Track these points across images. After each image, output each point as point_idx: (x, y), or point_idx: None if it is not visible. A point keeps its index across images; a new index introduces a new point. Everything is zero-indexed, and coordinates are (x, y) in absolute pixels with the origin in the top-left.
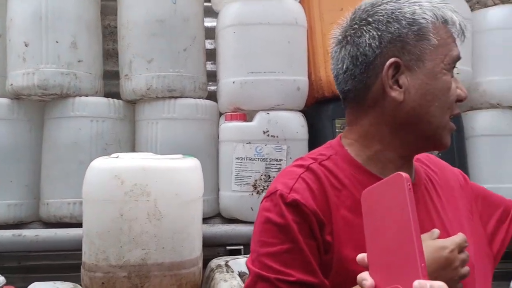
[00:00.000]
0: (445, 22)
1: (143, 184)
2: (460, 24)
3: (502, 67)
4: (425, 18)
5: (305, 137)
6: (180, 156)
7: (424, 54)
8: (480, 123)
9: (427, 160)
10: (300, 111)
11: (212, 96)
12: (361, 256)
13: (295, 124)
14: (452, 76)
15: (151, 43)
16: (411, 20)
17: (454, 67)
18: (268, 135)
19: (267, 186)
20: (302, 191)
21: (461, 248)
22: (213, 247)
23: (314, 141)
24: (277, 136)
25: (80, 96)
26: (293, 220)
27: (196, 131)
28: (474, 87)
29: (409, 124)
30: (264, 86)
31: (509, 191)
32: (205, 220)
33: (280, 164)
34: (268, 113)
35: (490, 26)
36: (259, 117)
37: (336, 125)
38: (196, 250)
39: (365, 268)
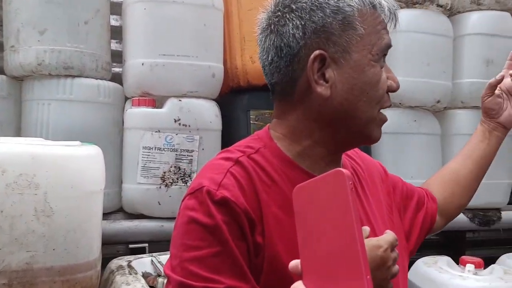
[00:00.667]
0: (373, 7)
1: (31, 174)
2: (390, 9)
3: (404, 69)
4: (351, 6)
5: (219, 128)
6: (77, 143)
7: (351, 45)
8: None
9: (352, 154)
10: (214, 100)
11: (117, 78)
12: (294, 264)
13: (209, 113)
14: (383, 66)
15: (45, 10)
16: (335, 8)
17: (385, 55)
18: (179, 123)
19: (177, 178)
20: (231, 187)
21: (393, 247)
22: (114, 246)
23: (227, 132)
24: (189, 126)
25: None
26: (222, 220)
27: (97, 116)
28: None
29: (337, 120)
30: (177, 70)
31: None
32: (105, 215)
33: (192, 156)
34: (180, 100)
35: (465, 31)
36: (170, 104)
37: (251, 116)
38: (94, 251)
39: (298, 276)
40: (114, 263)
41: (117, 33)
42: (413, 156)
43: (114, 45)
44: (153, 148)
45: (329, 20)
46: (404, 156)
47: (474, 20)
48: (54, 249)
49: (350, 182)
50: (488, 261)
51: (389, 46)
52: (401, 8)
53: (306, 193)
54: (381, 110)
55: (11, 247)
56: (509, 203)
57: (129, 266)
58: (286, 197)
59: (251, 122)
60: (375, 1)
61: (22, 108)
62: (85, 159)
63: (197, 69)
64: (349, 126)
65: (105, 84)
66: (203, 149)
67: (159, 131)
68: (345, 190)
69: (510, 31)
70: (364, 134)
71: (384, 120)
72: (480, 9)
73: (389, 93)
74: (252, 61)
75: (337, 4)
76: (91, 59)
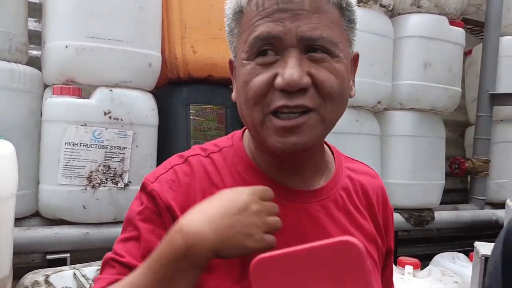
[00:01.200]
0: (248, 4)
1: None
2: None
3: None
4: (229, 8)
5: (155, 123)
6: None
7: (237, 48)
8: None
9: (370, 184)
10: (150, 92)
11: (35, 62)
12: None
13: (144, 106)
14: (271, 64)
15: None
16: (226, 14)
17: (264, 52)
18: (110, 117)
19: (106, 179)
20: (164, 182)
21: (264, 199)
22: (28, 256)
23: (165, 128)
24: (121, 119)
25: None
26: (146, 208)
27: (10, 105)
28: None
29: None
30: (108, 56)
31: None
32: (18, 221)
33: (124, 153)
34: (111, 90)
35: (406, 33)
36: (100, 94)
37: (191, 111)
38: (3, 268)
39: None
40: (28, 279)
41: (36, 10)
42: (355, 156)
43: (33, 24)
44: (78, 144)
45: (227, 27)
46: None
47: (414, 23)
48: None
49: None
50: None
51: (259, 37)
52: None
53: (279, 269)
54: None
55: None
56: (440, 203)
57: (47, 281)
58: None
59: (191, 117)
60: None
61: None
62: None
63: (132, 57)
64: (250, 132)
65: (20, 68)
66: (137, 146)
67: (85, 124)
68: (358, 267)
69: (447, 35)
70: (261, 141)
71: (276, 126)
72: (420, 12)
73: (286, 91)
74: (194, 51)
75: (226, 12)
76: (3, 38)
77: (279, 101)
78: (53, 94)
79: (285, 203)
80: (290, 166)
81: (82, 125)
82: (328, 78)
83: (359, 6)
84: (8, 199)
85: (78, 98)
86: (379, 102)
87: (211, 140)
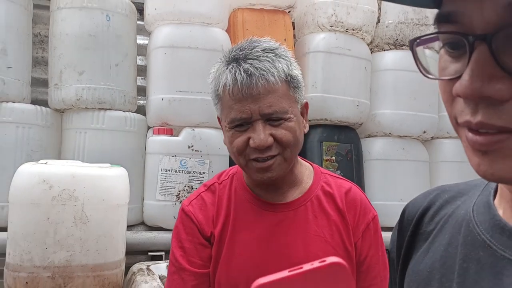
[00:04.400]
0: (224, 87)
1: (71, 189)
2: (236, 84)
3: (393, 103)
4: (211, 89)
5: (227, 153)
6: (107, 165)
7: (220, 115)
8: (375, 149)
9: (339, 194)
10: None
11: (141, 110)
12: None
13: (218, 140)
14: (243, 131)
15: (83, 56)
16: (210, 89)
17: (240, 125)
18: (192, 149)
19: None
20: (195, 205)
21: None
22: (135, 255)
23: None
24: (200, 151)
25: (7, 102)
26: (184, 225)
27: (124, 142)
28: (371, 118)
29: None
30: (191, 104)
31: (396, 207)
32: (129, 227)
33: (203, 177)
34: (193, 130)
35: (385, 67)
36: (185, 133)
37: None
38: (119, 253)
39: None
40: (136, 267)
41: (142, 71)
42: (401, 180)
43: (140, 81)
44: (170, 170)
45: (211, 97)
46: (392, 180)
47: None
48: (88, 250)
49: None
50: None
51: (235, 119)
52: (390, 49)
53: None
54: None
55: (55, 247)
56: None
57: (148, 269)
58: (236, 215)
59: None
60: (222, 81)
61: (63, 135)
62: (114, 178)
63: (208, 103)
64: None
65: (131, 115)
66: (212, 171)
67: (175, 155)
68: (348, 284)
69: None
70: (248, 175)
71: (256, 167)
72: None
73: (277, 144)
74: None
75: (211, 91)
76: (120, 95)
77: (254, 154)
78: (153, 133)
79: (265, 212)
80: (268, 187)
81: (172, 156)
82: (284, 134)
83: (402, 49)
84: (123, 206)
85: (170, 136)
86: (424, 132)
87: None
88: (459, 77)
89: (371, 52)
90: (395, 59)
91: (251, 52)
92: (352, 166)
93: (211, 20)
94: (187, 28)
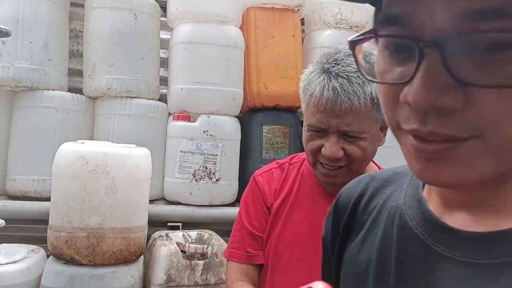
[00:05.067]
0: (311, 95)
1: (104, 165)
2: (322, 98)
3: None
4: (302, 87)
5: (238, 138)
6: (133, 146)
7: (304, 112)
8: None
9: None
10: (235, 116)
11: (163, 98)
12: None
13: (230, 127)
14: (322, 137)
15: (113, 50)
16: (300, 87)
17: (317, 130)
18: (207, 134)
19: (205, 175)
20: (264, 176)
21: None
22: (156, 227)
23: (245, 141)
24: (214, 136)
25: (48, 90)
26: (253, 189)
27: (147, 126)
28: None
29: None
30: (206, 94)
31: None
32: (151, 201)
33: (216, 158)
34: (208, 117)
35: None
36: (201, 119)
37: (263, 130)
38: (142, 220)
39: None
40: (156, 234)
41: (165, 63)
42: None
43: (162, 72)
44: (187, 152)
45: (300, 95)
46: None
47: None
48: (117, 215)
49: None
50: None
51: (314, 125)
52: None
53: None
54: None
55: (89, 212)
56: None
57: (167, 236)
58: (297, 196)
59: (263, 134)
60: (311, 90)
61: (95, 120)
62: (139, 157)
63: (222, 93)
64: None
65: (154, 103)
66: (225, 154)
67: (192, 139)
68: None
69: None
70: (313, 170)
71: (321, 172)
72: None
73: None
74: (266, 87)
75: (301, 89)
76: (144, 85)
77: (323, 159)
78: (173, 119)
79: (322, 200)
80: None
81: (190, 139)
82: (355, 151)
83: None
84: (147, 181)
85: (188, 122)
86: None
87: (278, 151)
88: (404, 83)
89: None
90: None
91: (345, 70)
92: None
93: (226, 18)
94: (205, 26)
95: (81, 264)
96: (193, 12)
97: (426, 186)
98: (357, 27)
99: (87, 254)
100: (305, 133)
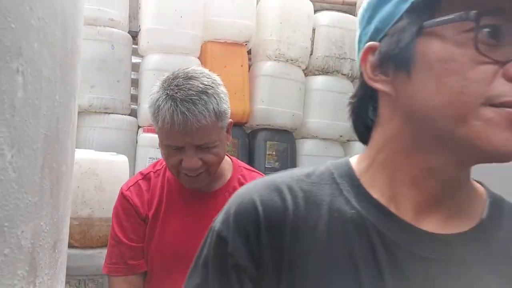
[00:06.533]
0: (163, 121)
1: (94, 168)
2: (174, 123)
3: (319, 114)
4: (151, 111)
5: None
6: (114, 153)
7: (157, 130)
8: (305, 147)
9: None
10: None
11: (133, 113)
12: None
13: None
14: (179, 152)
15: (94, 74)
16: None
17: (175, 148)
18: None
19: None
20: (132, 190)
21: None
22: None
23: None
24: None
25: None
26: (122, 206)
27: (122, 137)
28: (303, 125)
29: None
30: None
31: None
32: None
33: None
34: None
35: (315, 88)
36: None
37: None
38: None
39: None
40: None
41: (134, 83)
42: None
43: (132, 91)
44: (155, 158)
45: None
46: None
47: None
48: (103, 208)
49: None
50: None
51: (170, 146)
52: (319, 74)
53: None
54: None
55: (81, 205)
56: None
57: None
58: (168, 201)
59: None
60: (163, 122)
61: (78, 132)
62: (120, 162)
63: None
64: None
65: (127, 118)
66: None
67: (158, 148)
68: None
69: None
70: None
71: (186, 179)
72: None
73: None
74: None
75: (151, 112)
76: (119, 103)
77: (184, 171)
78: (143, 132)
79: (191, 200)
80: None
81: (157, 148)
82: (211, 158)
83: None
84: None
85: (155, 134)
86: (341, 136)
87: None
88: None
89: (305, 76)
90: (323, 82)
91: (188, 94)
92: (287, 160)
93: (187, 50)
94: (170, 56)
95: (74, 247)
96: (161, 44)
97: (381, 192)
98: (292, 60)
99: (79, 239)
100: (164, 151)
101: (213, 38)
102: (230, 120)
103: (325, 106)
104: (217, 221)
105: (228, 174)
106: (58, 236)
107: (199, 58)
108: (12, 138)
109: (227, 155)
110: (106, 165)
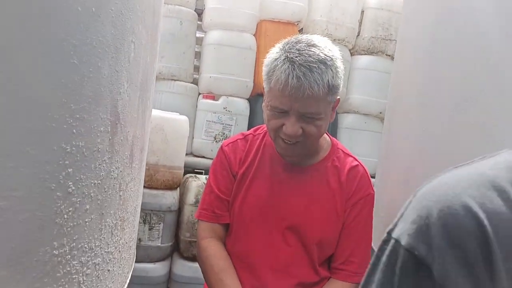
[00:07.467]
0: (276, 81)
1: (161, 124)
2: (287, 85)
3: (361, 90)
4: (265, 70)
5: (247, 114)
6: (177, 114)
7: (265, 93)
8: (347, 121)
9: (345, 170)
10: (246, 99)
11: (195, 81)
12: None
13: (242, 106)
14: (282, 116)
15: (165, 46)
16: (263, 70)
17: (279, 111)
18: (226, 110)
19: (222, 138)
20: (231, 147)
21: None
22: (188, 172)
23: (252, 117)
24: (231, 111)
25: None
26: (219, 159)
27: (184, 101)
28: (346, 100)
29: None
30: (227, 82)
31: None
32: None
33: (231, 127)
34: (227, 97)
35: (360, 67)
36: (222, 99)
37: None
38: (181, 162)
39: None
40: (188, 175)
41: (197, 55)
42: (362, 143)
43: (195, 62)
44: (211, 121)
45: (264, 77)
46: (355, 142)
47: None
48: (167, 157)
49: None
50: None
51: (277, 107)
52: (365, 54)
53: None
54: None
55: (150, 154)
56: None
57: (195, 176)
58: (259, 165)
59: None
60: (276, 82)
61: None
62: (182, 121)
63: (238, 82)
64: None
65: (190, 85)
66: (237, 125)
67: (215, 112)
68: None
69: None
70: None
71: (283, 146)
72: None
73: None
74: None
75: (265, 72)
76: (184, 72)
77: (283, 136)
78: (202, 98)
79: (282, 169)
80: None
81: (214, 113)
82: (312, 130)
83: (369, 54)
84: (185, 137)
85: (213, 100)
86: (380, 112)
87: None
88: None
89: (351, 55)
90: (367, 62)
91: (307, 60)
92: (329, 132)
93: (244, 28)
94: (229, 33)
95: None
96: (222, 22)
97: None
98: (339, 40)
99: (147, 180)
100: (267, 112)
101: (268, 18)
102: (339, 97)
103: (368, 84)
104: (402, 230)
105: (323, 153)
106: (143, 146)
107: (254, 35)
108: (128, 77)
109: (328, 135)
110: (171, 122)
